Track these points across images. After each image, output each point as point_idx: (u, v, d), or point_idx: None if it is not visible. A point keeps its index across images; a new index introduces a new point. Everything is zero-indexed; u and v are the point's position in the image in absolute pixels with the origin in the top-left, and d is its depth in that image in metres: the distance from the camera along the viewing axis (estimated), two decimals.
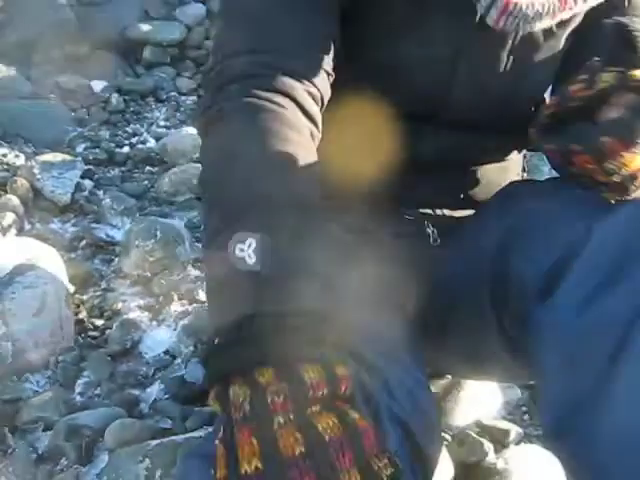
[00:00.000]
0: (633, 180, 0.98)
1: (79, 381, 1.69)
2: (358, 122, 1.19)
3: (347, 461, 0.71)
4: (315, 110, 1.05)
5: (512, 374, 1.30)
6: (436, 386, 1.60)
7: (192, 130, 2.80)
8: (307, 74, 1.05)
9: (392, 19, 1.16)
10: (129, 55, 3.54)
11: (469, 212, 1.33)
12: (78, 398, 1.65)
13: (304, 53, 1.07)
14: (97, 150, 2.77)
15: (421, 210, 1.31)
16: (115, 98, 3.18)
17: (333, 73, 1.10)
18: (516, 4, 1.12)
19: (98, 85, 3.27)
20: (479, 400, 1.64)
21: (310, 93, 1.04)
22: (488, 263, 1.12)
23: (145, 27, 3.57)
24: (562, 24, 1.19)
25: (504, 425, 1.62)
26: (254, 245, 0.82)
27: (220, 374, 0.77)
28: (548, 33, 1.20)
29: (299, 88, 1.03)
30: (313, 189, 0.94)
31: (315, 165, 0.97)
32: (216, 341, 0.78)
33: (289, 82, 1.03)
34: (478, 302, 1.15)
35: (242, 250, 0.82)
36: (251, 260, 0.82)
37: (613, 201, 1.02)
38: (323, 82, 1.08)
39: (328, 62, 1.09)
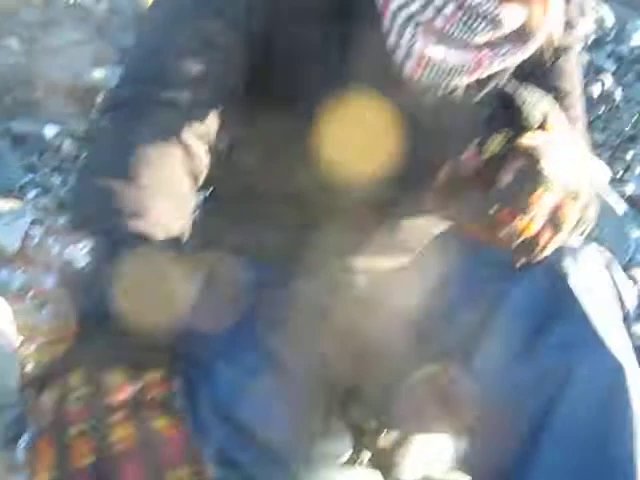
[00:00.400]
0: (534, 244, 1.01)
1: None
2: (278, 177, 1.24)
3: (133, 473, 0.70)
4: (194, 143, 1.09)
5: (451, 426, 1.31)
6: (384, 441, 1.60)
7: None
8: (190, 108, 1.09)
9: (314, 65, 1.20)
10: (82, 101, 3.53)
11: (398, 261, 1.35)
12: None
13: (190, 87, 1.11)
14: (48, 197, 2.75)
15: (347, 258, 1.33)
16: (67, 144, 3.17)
17: (223, 114, 1.15)
18: (430, 57, 1.16)
19: (50, 131, 3.25)
20: (428, 454, 1.65)
21: (189, 124, 1.08)
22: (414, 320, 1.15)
23: (99, 73, 3.57)
24: (482, 83, 1.23)
25: (455, 477, 1.62)
26: (86, 248, 0.89)
27: (35, 377, 0.78)
28: (467, 92, 1.23)
29: (176, 119, 1.08)
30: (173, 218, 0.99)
31: (182, 197, 1.03)
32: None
33: (167, 112, 1.07)
34: (410, 359, 1.18)
35: (76, 251, 0.89)
36: (81, 262, 0.88)
37: (521, 262, 1.05)
38: (208, 117, 1.11)
39: (217, 99, 1.13)
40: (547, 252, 1.03)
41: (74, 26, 3.66)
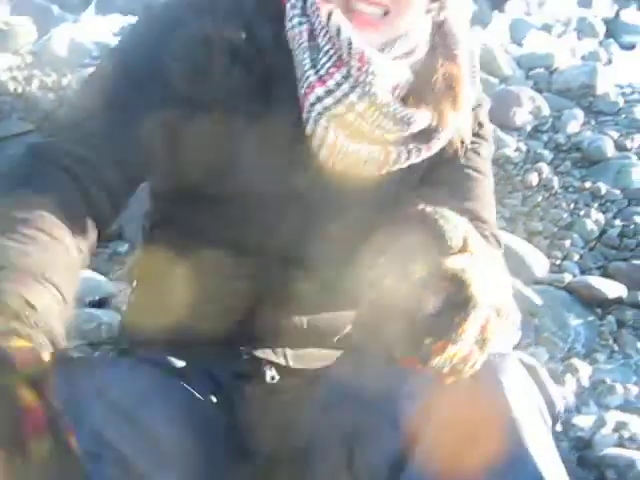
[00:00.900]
0: (463, 364, 1.01)
1: None
2: (194, 265, 1.28)
3: None
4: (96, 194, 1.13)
5: None
6: None
7: (89, 272, 2.76)
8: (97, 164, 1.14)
9: (230, 147, 1.26)
10: None
11: (314, 350, 1.38)
12: None
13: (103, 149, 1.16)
14: None
15: (260, 348, 1.35)
16: None
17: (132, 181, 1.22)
18: (342, 148, 1.23)
19: None
20: None
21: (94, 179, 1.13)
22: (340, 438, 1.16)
23: None
24: (393, 181, 1.30)
25: None
26: None
27: None
28: (377, 183, 1.29)
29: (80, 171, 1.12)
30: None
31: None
32: None
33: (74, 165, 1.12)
34: (334, 459, 1.18)
35: None
36: None
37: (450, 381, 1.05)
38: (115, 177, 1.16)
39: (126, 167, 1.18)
40: (475, 368, 1.04)
41: None
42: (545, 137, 4.41)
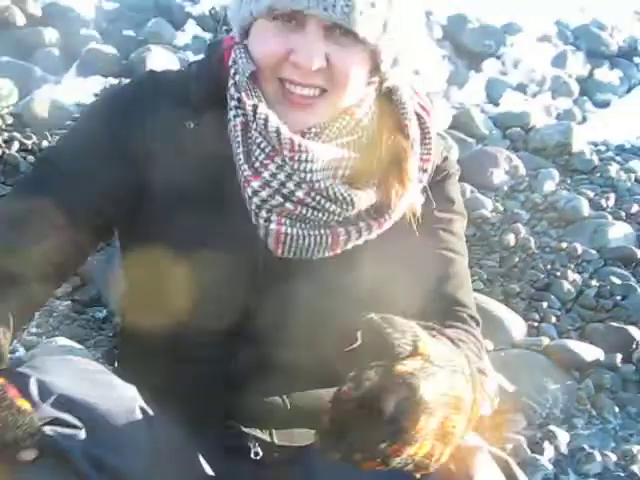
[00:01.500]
0: (427, 461, 1.02)
1: None
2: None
3: None
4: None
5: None
6: None
7: (65, 340, 2.75)
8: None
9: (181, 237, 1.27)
10: None
11: (298, 431, 1.37)
12: None
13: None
14: None
15: (246, 424, 1.35)
16: None
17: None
18: (287, 234, 1.23)
19: None
20: None
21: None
22: None
23: None
24: (349, 261, 1.29)
25: None
26: None
27: None
28: (339, 268, 1.29)
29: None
30: None
31: None
32: None
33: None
34: None
35: None
36: None
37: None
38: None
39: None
40: (441, 461, 1.04)
41: None
42: (522, 197, 4.46)
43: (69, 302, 3.28)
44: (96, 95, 4.51)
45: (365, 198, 1.26)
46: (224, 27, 6.08)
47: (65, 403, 1.05)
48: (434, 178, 1.37)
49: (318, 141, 1.24)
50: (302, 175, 1.21)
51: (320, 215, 1.24)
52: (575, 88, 6.28)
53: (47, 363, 1.12)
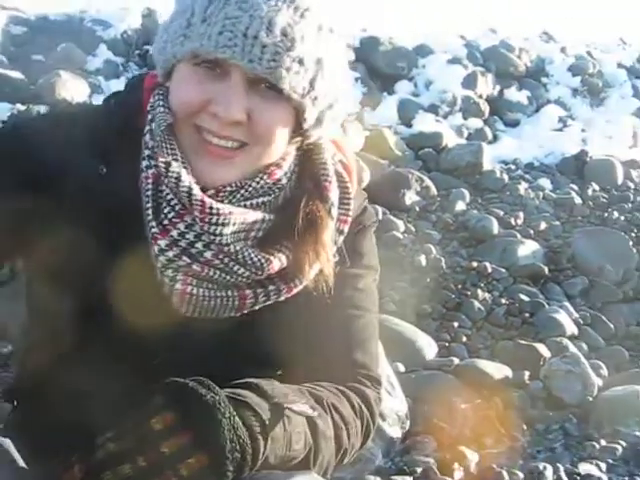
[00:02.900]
0: None
1: None
2: None
3: None
4: None
5: None
6: None
7: None
8: None
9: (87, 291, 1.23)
10: None
11: None
12: None
13: None
14: None
15: None
16: None
17: None
18: (192, 295, 1.19)
19: None
20: None
21: None
22: None
23: None
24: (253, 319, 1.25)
25: None
26: None
27: None
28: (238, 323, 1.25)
29: None
30: None
31: None
32: None
33: None
34: None
35: None
36: None
37: None
38: None
39: None
40: None
41: None
42: (433, 217, 4.54)
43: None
44: (3, 122, 4.41)
45: (276, 263, 1.22)
46: (137, 51, 6.04)
47: None
48: (349, 231, 1.32)
49: (232, 200, 1.20)
50: (212, 237, 1.17)
51: (228, 277, 1.21)
52: (485, 108, 6.43)
53: None
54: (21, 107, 4.64)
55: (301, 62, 1.15)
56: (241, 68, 1.13)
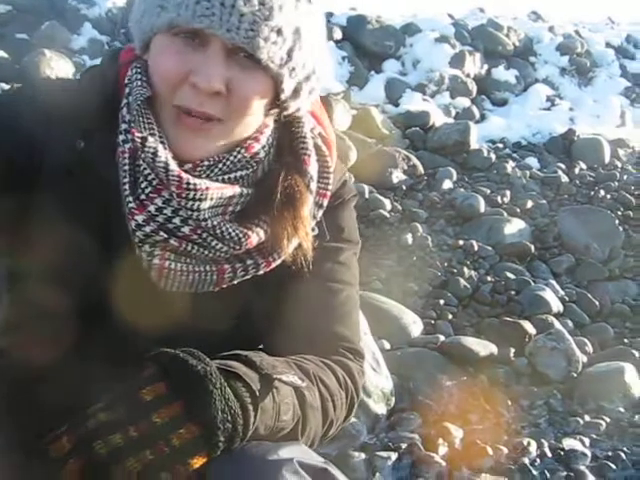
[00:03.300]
0: None
1: None
2: None
3: None
4: None
5: None
6: None
7: None
8: None
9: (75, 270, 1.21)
10: None
11: None
12: None
13: None
14: None
15: None
16: None
17: None
18: (170, 269, 1.18)
19: None
20: None
21: None
22: None
23: None
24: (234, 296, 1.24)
25: None
26: None
27: None
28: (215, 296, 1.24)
29: None
30: None
31: None
32: None
33: None
34: None
35: None
36: None
37: None
38: None
39: None
40: None
41: None
42: (420, 195, 4.53)
43: None
44: None
45: (254, 237, 1.21)
46: (122, 30, 5.99)
47: None
48: (328, 205, 1.31)
49: (210, 175, 1.19)
50: (189, 212, 1.16)
51: (206, 252, 1.20)
52: (473, 87, 6.42)
53: None
54: (5, 86, 4.61)
55: (279, 32, 1.14)
56: (219, 38, 1.12)
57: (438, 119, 5.61)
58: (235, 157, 1.21)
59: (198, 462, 0.99)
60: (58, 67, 4.94)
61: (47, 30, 5.52)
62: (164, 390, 1.01)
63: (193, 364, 1.02)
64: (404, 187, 4.56)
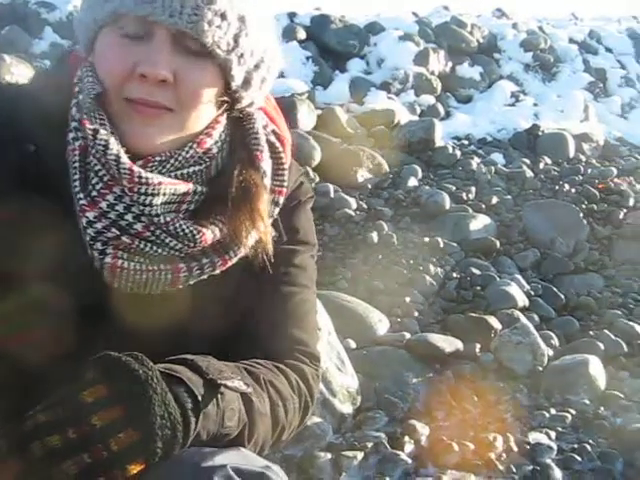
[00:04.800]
0: None
1: None
2: None
3: None
4: None
5: None
6: None
7: None
8: None
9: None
10: None
11: None
12: None
13: None
14: None
15: None
16: None
17: None
18: (122, 268, 1.16)
19: None
20: None
21: None
22: None
23: None
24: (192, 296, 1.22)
25: None
26: None
27: None
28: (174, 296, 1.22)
29: None
30: None
31: None
32: None
33: None
34: None
35: None
36: None
37: None
38: None
39: None
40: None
41: None
42: (386, 194, 4.53)
43: None
44: None
45: (209, 235, 1.19)
46: None
47: None
48: (284, 207, 1.30)
49: (162, 170, 1.17)
50: (141, 208, 1.14)
51: (160, 250, 1.18)
52: (437, 85, 6.44)
53: None
54: None
55: (223, 16, 1.14)
56: (163, 25, 1.12)
57: (403, 117, 5.62)
58: (187, 152, 1.19)
59: (136, 468, 0.97)
60: (18, 72, 4.88)
61: (7, 35, 5.46)
62: (105, 393, 0.98)
63: (134, 368, 1.00)
64: (369, 186, 4.56)
